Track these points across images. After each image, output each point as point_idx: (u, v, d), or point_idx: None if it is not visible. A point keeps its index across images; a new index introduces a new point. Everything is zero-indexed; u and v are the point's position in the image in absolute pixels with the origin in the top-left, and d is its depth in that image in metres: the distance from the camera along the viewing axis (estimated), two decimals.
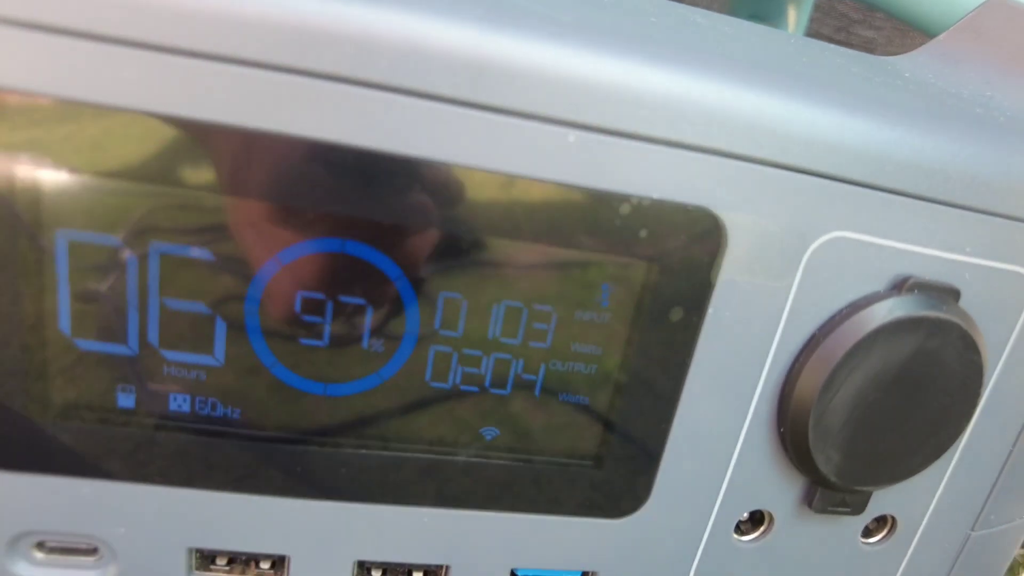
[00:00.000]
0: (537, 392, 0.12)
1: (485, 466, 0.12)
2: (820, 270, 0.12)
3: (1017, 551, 0.18)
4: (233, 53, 0.09)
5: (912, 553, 0.15)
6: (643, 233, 0.11)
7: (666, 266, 0.11)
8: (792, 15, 0.27)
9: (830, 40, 0.30)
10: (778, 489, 0.14)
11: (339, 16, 0.09)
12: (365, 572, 0.13)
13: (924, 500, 0.15)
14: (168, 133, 0.10)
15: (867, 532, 0.15)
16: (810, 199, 0.11)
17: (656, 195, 0.11)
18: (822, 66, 0.14)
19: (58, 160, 0.10)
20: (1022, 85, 0.15)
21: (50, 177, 0.10)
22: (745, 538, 0.14)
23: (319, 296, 0.11)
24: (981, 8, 0.16)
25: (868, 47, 0.32)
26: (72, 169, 0.10)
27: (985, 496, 0.15)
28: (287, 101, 0.10)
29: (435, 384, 0.12)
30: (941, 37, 0.17)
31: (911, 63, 0.16)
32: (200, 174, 0.10)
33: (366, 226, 0.10)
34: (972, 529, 0.16)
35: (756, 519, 0.14)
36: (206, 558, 0.12)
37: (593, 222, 0.11)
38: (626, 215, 0.11)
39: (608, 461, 0.12)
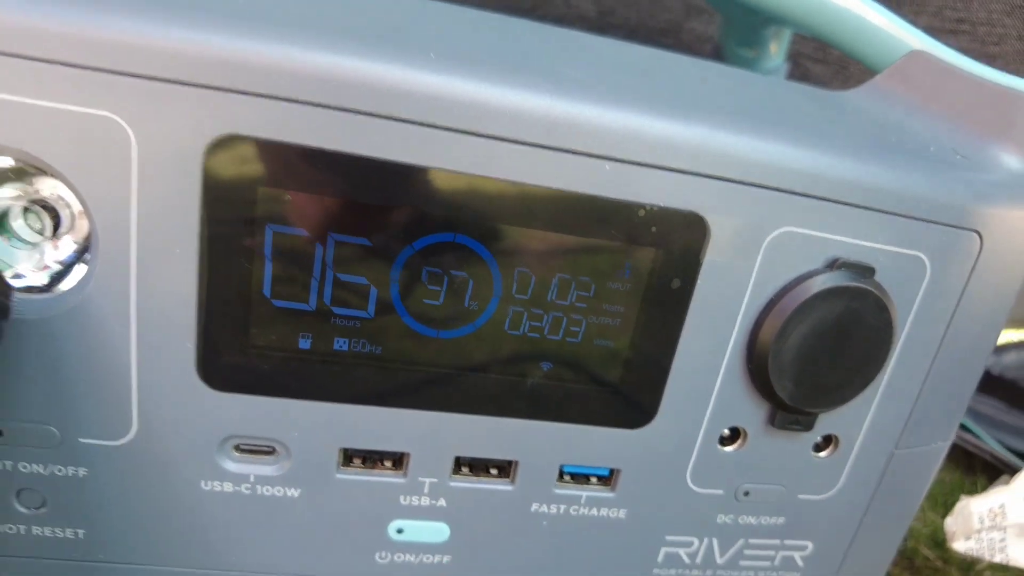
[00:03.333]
0: (579, 338, 0.17)
1: (543, 388, 0.18)
2: (774, 254, 0.17)
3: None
4: (393, 112, 0.15)
5: (850, 465, 0.21)
6: (653, 229, 0.16)
7: (669, 251, 0.17)
8: (774, 45, 0.32)
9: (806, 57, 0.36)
10: (749, 411, 0.19)
11: (477, 87, 0.15)
12: (458, 466, 0.18)
13: (858, 423, 0.20)
14: (348, 164, 0.15)
15: (817, 447, 0.20)
16: (767, 205, 0.17)
17: (661, 204, 0.16)
18: (783, 105, 0.20)
19: (271, 182, 0.15)
20: (931, 120, 0.20)
21: (264, 192, 0.15)
22: (726, 448, 0.19)
23: (437, 271, 0.16)
24: (906, 57, 0.21)
25: (820, 79, 0.37)
26: (279, 187, 0.15)
27: (904, 422, 0.20)
28: (427, 149, 0.15)
29: (511, 332, 0.17)
30: (876, 79, 0.22)
31: (854, 97, 0.22)
32: (365, 191, 0.15)
33: (470, 224, 0.16)
34: (896, 448, 0.21)
35: (734, 433, 0.19)
36: (349, 456, 0.18)
37: (619, 222, 0.16)
38: (642, 217, 0.16)
39: (627, 387, 0.18)
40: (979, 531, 0.30)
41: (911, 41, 0.21)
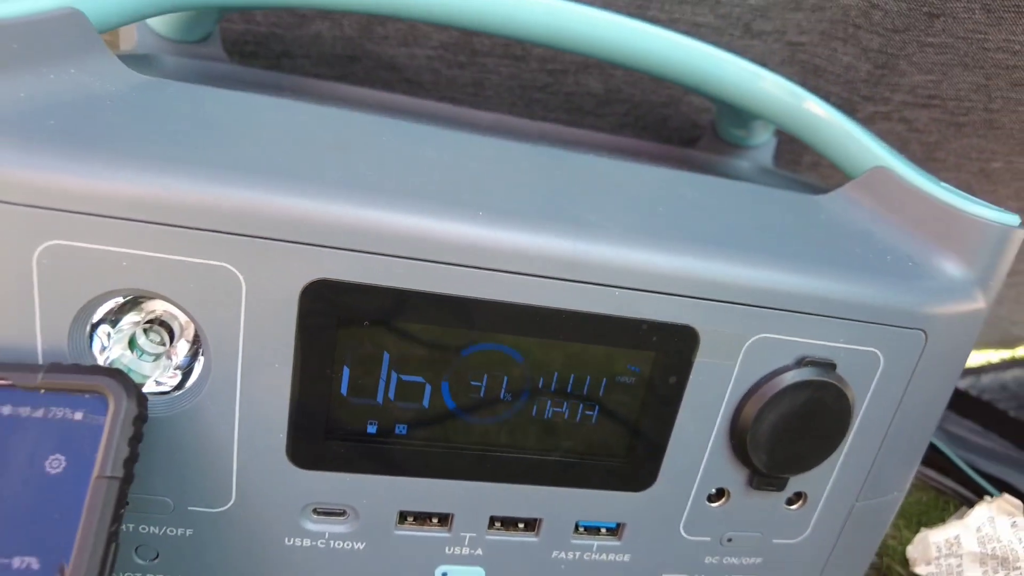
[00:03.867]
0: (593, 422, 0.21)
1: (563, 462, 0.21)
2: (753, 354, 0.21)
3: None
4: (448, 259, 0.18)
5: (817, 515, 0.25)
6: (654, 338, 0.20)
7: (667, 355, 0.21)
8: (762, 128, 0.36)
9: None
10: (732, 475, 0.23)
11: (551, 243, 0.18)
12: (492, 522, 0.22)
13: (823, 482, 0.24)
14: (411, 297, 0.19)
15: (789, 502, 0.24)
16: (748, 317, 0.21)
17: (660, 319, 0.20)
18: (763, 222, 0.23)
19: (351, 312, 0.19)
20: (890, 229, 0.24)
21: (345, 320, 0.19)
22: (713, 504, 0.23)
23: (480, 371, 0.20)
24: (872, 171, 0.25)
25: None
26: (357, 315, 0.19)
27: (862, 481, 0.24)
28: (475, 285, 0.19)
29: (538, 418, 0.21)
30: (846, 187, 0.26)
31: (826, 203, 0.25)
32: (425, 316, 0.19)
33: (507, 337, 0.20)
34: (856, 500, 0.25)
35: (719, 492, 0.23)
36: (403, 515, 0.22)
37: (626, 333, 0.20)
38: (644, 330, 0.20)
39: (632, 460, 0.22)
40: (937, 558, 0.34)
41: (877, 156, 0.25)
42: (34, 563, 0.16)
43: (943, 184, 0.24)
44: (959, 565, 0.34)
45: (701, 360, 0.21)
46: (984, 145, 0.42)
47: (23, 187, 0.16)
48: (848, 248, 0.23)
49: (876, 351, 0.22)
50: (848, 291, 0.21)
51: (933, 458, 0.59)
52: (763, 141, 0.36)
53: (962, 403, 0.66)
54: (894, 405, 0.23)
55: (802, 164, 0.42)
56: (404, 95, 0.34)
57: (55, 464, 0.17)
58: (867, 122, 0.40)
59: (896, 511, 0.27)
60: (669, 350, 0.20)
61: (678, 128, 0.39)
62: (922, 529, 0.34)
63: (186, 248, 0.17)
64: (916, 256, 0.23)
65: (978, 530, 0.34)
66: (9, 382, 0.17)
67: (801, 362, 0.21)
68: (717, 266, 0.20)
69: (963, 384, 0.70)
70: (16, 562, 0.16)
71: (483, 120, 0.34)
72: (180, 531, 0.20)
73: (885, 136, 0.41)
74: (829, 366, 0.22)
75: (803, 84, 0.38)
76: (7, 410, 0.17)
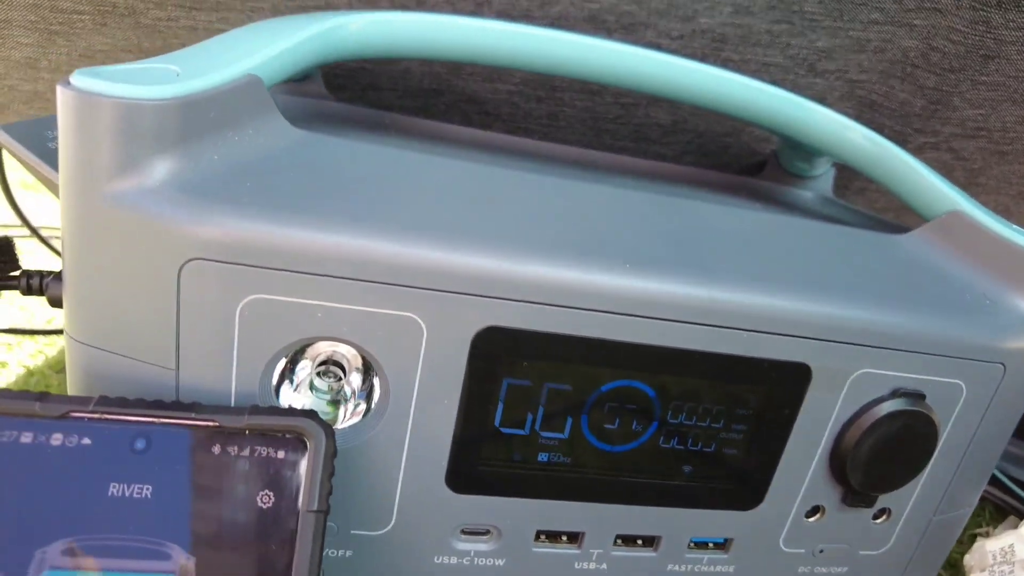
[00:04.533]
0: (713, 449, 0.23)
1: (684, 486, 0.24)
2: (855, 387, 0.23)
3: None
4: (598, 307, 0.20)
5: (900, 528, 0.27)
6: (773, 374, 0.22)
7: (783, 389, 0.23)
8: (824, 161, 0.38)
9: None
10: (828, 493, 0.25)
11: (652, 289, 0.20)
12: (617, 540, 0.24)
13: (907, 499, 0.26)
14: (564, 342, 0.21)
15: (875, 516, 0.27)
16: (852, 355, 0.23)
17: (779, 358, 0.22)
18: (858, 266, 0.25)
19: (513, 354, 0.21)
20: (966, 269, 0.26)
21: (507, 360, 0.21)
22: (809, 519, 0.26)
23: (615, 405, 0.22)
24: (948, 215, 0.27)
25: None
26: (518, 356, 0.21)
27: (940, 498, 0.27)
28: (619, 329, 0.21)
29: (663, 446, 0.23)
30: (923, 228, 0.28)
31: (906, 243, 0.28)
32: (574, 357, 0.21)
33: (644, 374, 0.22)
34: (934, 515, 0.27)
35: (815, 509, 0.26)
36: (539, 534, 0.24)
37: (750, 370, 0.22)
38: (765, 367, 0.22)
39: (745, 482, 0.24)
40: (992, 565, 0.37)
41: (952, 201, 0.27)
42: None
43: (1014, 227, 0.27)
44: (1011, 572, 0.37)
45: (812, 393, 0.23)
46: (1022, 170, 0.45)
47: (231, 246, 0.18)
48: (931, 288, 0.25)
49: (960, 382, 0.24)
50: (936, 329, 0.24)
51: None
52: (823, 171, 0.38)
53: None
54: (973, 430, 0.26)
55: (851, 189, 0.44)
56: (485, 129, 0.36)
57: (265, 499, 0.19)
58: (916, 151, 0.42)
59: (965, 524, 0.29)
60: (785, 385, 0.23)
61: (738, 155, 0.41)
62: (978, 538, 0.36)
63: (377, 300, 0.19)
64: (991, 295, 0.26)
65: None
66: (216, 423, 0.19)
67: (895, 393, 0.24)
68: (828, 309, 0.22)
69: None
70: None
71: (562, 153, 0.36)
72: (340, 552, 0.22)
73: (932, 163, 0.43)
74: (919, 396, 0.24)
75: (858, 117, 0.40)
76: (217, 449, 0.19)
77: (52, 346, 0.55)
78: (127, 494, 0.18)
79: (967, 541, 0.40)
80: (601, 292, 0.20)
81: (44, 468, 0.18)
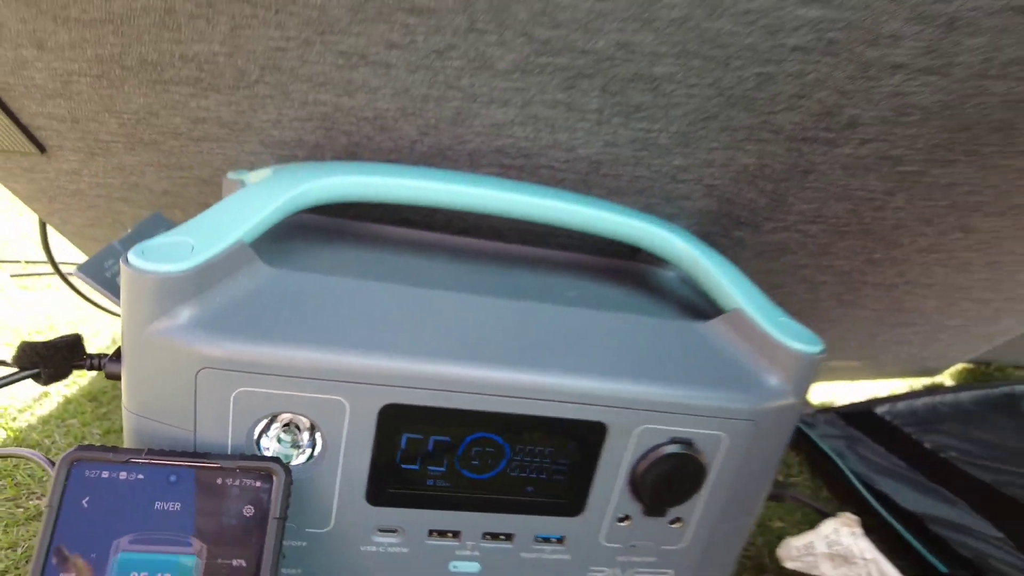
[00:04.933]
0: (546, 476, 0.35)
1: (528, 500, 0.36)
2: (639, 437, 0.35)
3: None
4: (465, 389, 0.32)
5: (691, 530, 0.39)
6: (582, 430, 0.34)
7: (588, 439, 0.34)
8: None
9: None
10: (632, 508, 0.37)
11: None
12: (484, 536, 0.36)
13: (693, 511, 0.38)
14: (443, 413, 0.32)
15: (671, 522, 0.38)
16: (638, 416, 0.34)
17: (585, 419, 0.34)
18: (656, 350, 0.37)
19: (408, 419, 0.33)
20: (740, 352, 0.38)
21: (405, 424, 0.33)
22: (621, 524, 0.37)
23: (479, 449, 0.34)
24: (731, 312, 0.39)
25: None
26: (411, 420, 0.33)
27: (719, 510, 0.38)
28: (483, 402, 0.33)
29: (511, 474, 0.35)
30: (716, 320, 0.39)
31: (702, 329, 0.39)
32: (450, 422, 0.33)
33: (496, 429, 0.34)
34: (716, 523, 0.39)
35: (625, 517, 0.37)
36: (431, 532, 0.36)
37: (566, 427, 0.34)
38: (575, 424, 0.34)
39: (569, 498, 0.36)
40: (799, 557, 0.49)
41: (736, 301, 0.39)
42: (245, 564, 0.30)
43: (781, 319, 0.38)
44: (815, 560, 0.49)
45: (608, 442, 0.35)
46: (864, 243, 0.56)
47: (227, 360, 0.30)
48: (708, 366, 0.37)
49: (721, 433, 0.36)
50: (702, 397, 0.35)
51: (834, 475, 0.74)
52: None
53: (874, 428, 0.80)
54: (738, 465, 0.37)
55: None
56: (428, 231, 0.48)
57: (248, 511, 0.31)
58: (770, 233, 0.53)
59: (750, 528, 0.41)
60: (590, 436, 0.35)
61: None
62: (786, 537, 0.48)
63: (317, 389, 0.31)
64: (753, 372, 0.37)
65: (826, 537, 0.48)
66: (219, 465, 0.31)
67: (671, 440, 0.35)
68: (617, 386, 0.34)
69: (880, 410, 0.84)
70: (235, 563, 0.30)
71: (481, 248, 0.48)
72: (299, 543, 0.34)
73: (784, 242, 0.55)
74: (689, 443, 0.36)
75: (718, 210, 0.51)
76: (219, 480, 0.31)
77: (84, 377, 0.68)
78: (166, 508, 0.30)
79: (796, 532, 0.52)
80: (465, 379, 0.32)
81: (117, 492, 0.30)
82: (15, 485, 0.51)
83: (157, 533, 0.30)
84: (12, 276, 0.88)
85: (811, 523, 0.56)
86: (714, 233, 0.54)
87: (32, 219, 1.15)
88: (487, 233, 0.51)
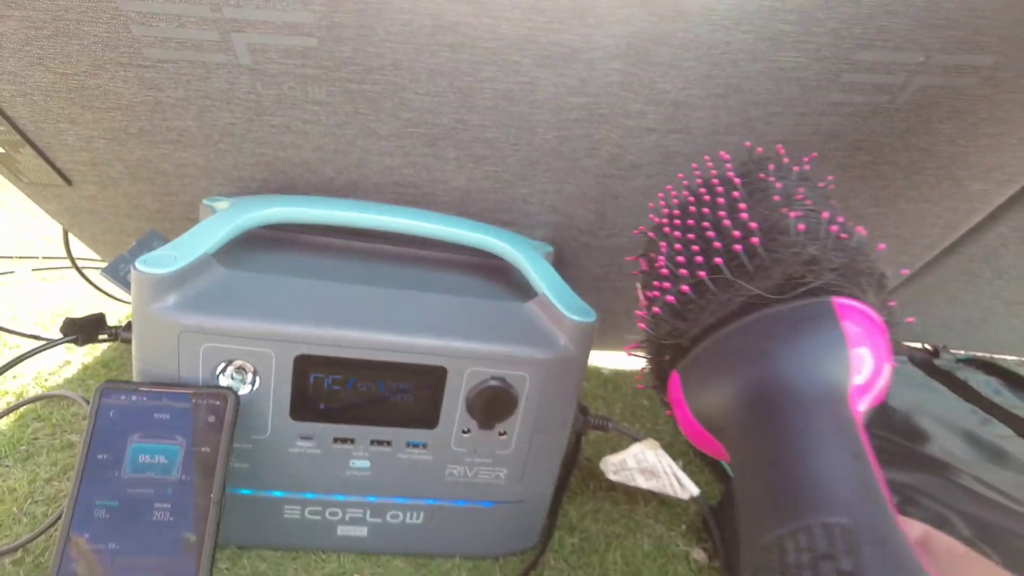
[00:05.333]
0: (410, 400, 0.54)
1: (400, 417, 0.55)
2: (469, 376, 0.54)
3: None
4: (349, 343, 0.51)
5: (515, 440, 0.58)
6: (427, 372, 0.53)
7: (432, 378, 0.54)
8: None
9: None
10: (471, 424, 0.56)
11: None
12: (372, 443, 0.55)
13: (514, 427, 0.57)
14: (335, 360, 0.51)
15: (500, 435, 0.57)
16: (464, 363, 0.53)
17: (430, 364, 0.53)
18: (487, 319, 0.56)
19: (315, 365, 0.52)
20: (543, 322, 0.57)
21: (311, 365, 0.52)
22: (465, 435, 0.57)
23: (363, 385, 0.53)
24: (537, 297, 0.58)
25: None
26: (315, 366, 0.52)
27: (532, 426, 0.58)
28: (351, 352, 0.52)
29: (388, 398, 0.54)
30: (532, 300, 0.58)
31: (525, 308, 0.58)
32: (339, 366, 0.52)
33: (373, 374, 0.53)
34: (531, 436, 0.58)
35: (467, 430, 0.57)
36: (335, 439, 0.55)
37: (415, 370, 0.53)
38: (423, 366, 0.53)
39: (424, 413, 0.55)
40: (617, 472, 0.68)
41: (541, 288, 0.58)
42: (210, 450, 0.49)
43: (570, 300, 0.57)
44: (631, 475, 0.68)
45: (449, 379, 0.54)
46: None
47: (197, 327, 0.49)
48: (518, 331, 0.56)
49: (526, 374, 0.55)
50: (513, 350, 0.54)
51: None
52: (544, 252, 0.69)
53: None
54: (538, 396, 0.56)
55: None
56: (343, 239, 0.67)
57: (211, 419, 0.50)
58: (606, 238, 0.72)
59: (563, 442, 0.60)
60: (435, 376, 0.54)
61: None
62: (604, 456, 0.67)
63: (253, 345, 0.50)
64: (549, 334, 0.56)
65: (635, 455, 0.68)
66: (193, 391, 0.50)
67: (491, 378, 0.54)
68: (455, 343, 0.53)
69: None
70: (204, 450, 0.49)
71: (379, 250, 0.67)
72: (247, 446, 0.54)
73: (622, 244, 0.74)
74: (503, 379, 0.55)
75: (563, 223, 0.70)
76: (195, 401, 0.50)
77: (98, 350, 0.87)
78: (163, 418, 0.49)
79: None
80: (351, 340, 0.51)
81: (130, 408, 0.49)
82: (52, 425, 0.70)
83: (155, 432, 0.49)
84: (33, 270, 1.07)
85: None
86: (565, 239, 0.73)
87: (42, 222, 1.34)
88: (386, 239, 0.70)
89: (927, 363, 1.16)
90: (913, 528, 0.25)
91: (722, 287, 0.30)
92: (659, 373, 0.35)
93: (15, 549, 0.53)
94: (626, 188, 0.64)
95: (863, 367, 0.28)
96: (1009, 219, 0.81)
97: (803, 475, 0.22)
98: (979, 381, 1.12)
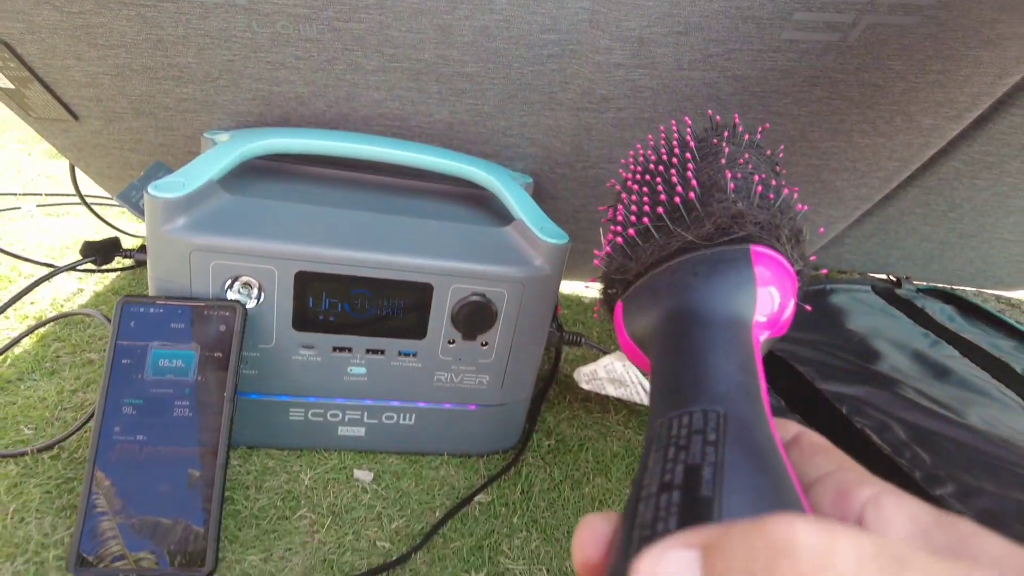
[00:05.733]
0: (401, 314, 0.61)
1: (394, 328, 0.61)
2: (454, 292, 0.60)
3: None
4: (345, 261, 0.57)
5: (495, 349, 0.64)
6: (416, 288, 0.59)
7: (420, 293, 0.60)
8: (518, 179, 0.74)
9: None
10: (456, 335, 0.62)
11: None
12: (367, 352, 0.62)
13: (495, 337, 0.64)
14: (332, 278, 0.57)
15: (482, 345, 0.64)
16: (449, 280, 0.59)
17: (419, 281, 0.59)
18: (470, 241, 0.62)
19: (312, 280, 0.58)
20: (521, 243, 0.62)
21: (310, 279, 0.58)
22: (450, 345, 0.63)
23: (358, 299, 0.59)
24: (514, 222, 0.63)
25: None
26: (314, 283, 0.58)
27: (511, 336, 0.64)
28: (350, 269, 0.57)
29: (380, 314, 0.60)
30: (511, 225, 0.64)
31: (503, 233, 0.64)
32: (336, 285, 0.58)
33: (368, 288, 0.59)
34: (511, 344, 0.65)
35: (452, 340, 0.63)
36: (334, 348, 0.61)
37: (408, 286, 0.59)
38: (413, 282, 0.59)
39: (416, 327, 0.61)
40: (588, 381, 0.75)
41: (517, 213, 0.63)
42: (222, 355, 0.55)
43: (544, 225, 0.63)
44: (601, 384, 0.75)
45: (435, 294, 0.60)
46: None
47: (206, 246, 0.54)
48: (498, 252, 0.62)
49: (504, 291, 0.61)
50: (492, 270, 0.60)
51: None
52: (524, 183, 0.74)
53: None
54: (516, 311, 0.63)
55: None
56: (337, 169, 0.71)
57: (222, 328, 0.56)
58: (582, 170, 0.78)
59: (540, 353, 0.67)
60: (424, 292, 0.60)
61: None
62: (577, 368, 0.74)
63: (257, 263, 0.56)
64: (525, 255, 0.62)
65: (605, 366, 0.75)
66: (204, 304, 0.56)
67: (473, 294, 0.61)
68: (440, 263, 0.59)
69: None
70: (217, 355, 0.55)
71: (370, 180, 0.72)
72: (254, 354, 0.60)
73: (599, 176, 0.79)
74: (483, 295, 0.61)
75: (541, 155, 0.75)
76: (207, 312, 0.56)
77: (108, 279, 0.93)
78: (178, 327, 0.55)
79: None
80: (346, 258, 0.57)
81: (149, 318, 0.55)
82: (72, 345, 0.76)
83: (172, 339, 0.55)
84: (38, 206, 1.11)
85: None
86: (543, 170, 0.78)
87: (39, 161, 1.38)
88: (376, 171, 0.75)
89: (888, 292, 1.23)
90: (789, 427, 0.30)
91: (663, 233, 0.36)
92: (608, 303, 0.41)
93: (52, 446, 0.60)
94: (599, 121, 0.69)
95: (768, 305, 0.32)
96: (961, 153, 0.87)
97: (696, 375, 0.28)
98: (935, 309, 1.20)
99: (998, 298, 1.42)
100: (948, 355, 1.02)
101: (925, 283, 1.30)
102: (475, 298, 0.61)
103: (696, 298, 0.32)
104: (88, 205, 0.87)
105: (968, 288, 1.38)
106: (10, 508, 0.54)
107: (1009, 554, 0.17)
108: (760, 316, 0.32)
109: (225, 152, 0.60)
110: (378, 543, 0.57)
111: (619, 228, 0.40)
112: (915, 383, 0.92)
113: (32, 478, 0.57)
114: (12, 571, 0.49)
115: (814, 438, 0.27)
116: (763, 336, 0.32)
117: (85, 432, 0.62)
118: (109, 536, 0.50)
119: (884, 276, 1.29)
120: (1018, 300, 1.44)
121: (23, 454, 0.59)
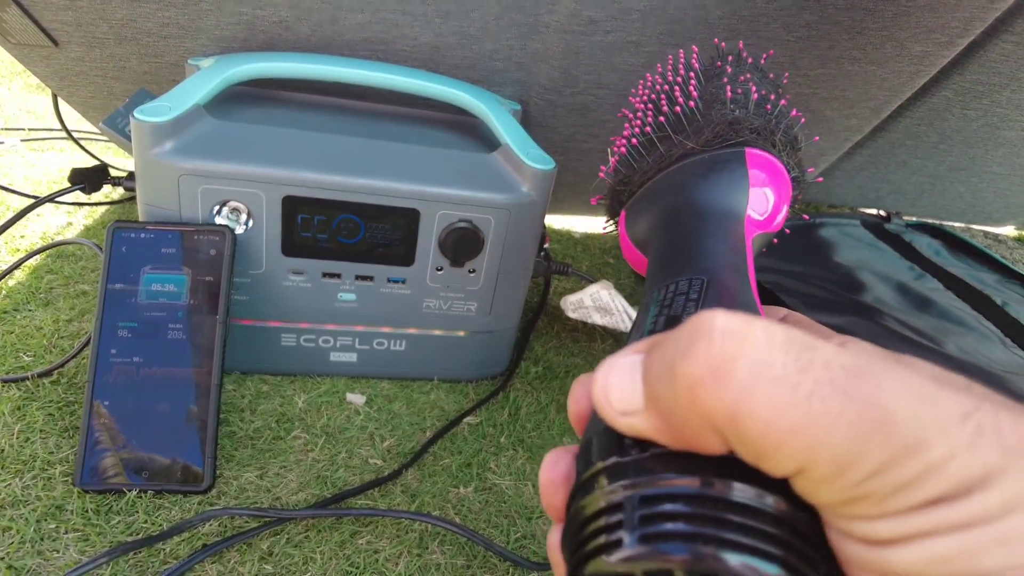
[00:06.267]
0: (388, 242, 0.61)
1: (383, 254, 0.62)
2: (440, 218, 0.61)
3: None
4: (336, 187, 0.57)
5: (483, 277, 0.66)
6: (403, 213, 0.60)
7: (408, 219, 0.60)
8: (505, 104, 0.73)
9: None
10: (444, 262, 0.63)
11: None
12: (357, 278, 0.63)
13: (481, 264, 0.65)
14: (321, 202, 0.58)
15: (469, 272, 0.65)
16: (435, 206, 0.60)
17: (406, 206, 0.60)
18: (456, 167, 0.62)
19: (302, 206, 0.58)
20: (507, 171, 0.63)
21: (298, 203, 0.58)
22: (439, 272, 0.64)
23: (346, 223, 0.60)
24: (501, 147, 0.63)
25: None
26: (304, 207, 0.58)
27: (498, 264, 0.65)
28: (341, 196, 0.58)
29: (367, 240, 0.61)
30: (497, 151, 0.64)
31: (488, 159, 0.64)
32: (326, 208, 0.58)
33: (355, 212, 0.59)
34: (498, 271, 0.66)
35: (440, 268, 0.64)
36: (324, 274, 0.62)
37: (398, 211, 0.60)
38: (402, 210, 0.60)
39: (404, 254, 0.62)
40: (575, 310, 0.77)
41: (504, 138, 0.63)
42: (213, 279, 0.56)
43: (531, 151, 0.63)
44: (587, 313, 0.77)
45: (422, 221, 0.61)
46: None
47: (194, 169, 0.55)
48: (485, 178, 0.62)
49: (491, 217, 0.62)
50: (479, 196, 0.61)
51: None
52: (512, 109, 0.74)
53: None
54: (502, 237, 0.63)
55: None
56: (322, 95, 0.71)
57: (212, 252, 0.57)
58: (570, 96, 0.77)
59: (527, 280, 0.68)
60: (411, 217, 0.60)
61: None
62: (564, 296, 0.76)
63: (245, 187, 0.56)
64: (512, 181, 0.62)
65: (591, 295, 0.76)
66: (194, 228, 0.56)
67: (460, 220, 0.61)
68: (427, 188, 0.59)
69: None
70: (208, 279, 0.56)
71: (356, 106, 0.71)
72: (245, 280, 0.61)
73: (586, 103, 0.78)
74: (470, 222, 0.61)
75: (528, 80, 0.75)
76: (197, 236, 0.57)
77: (97, 213, 0.92)
78: (170, 252, 0.56)
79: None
80: (333, 183, 0.57)
81: (140, 244, 0.55)
82: (64, 276, 0.77)
83: (164, 263, 0.56)
84: (22, 140, 1.10)
85: None
86: (531, 97, 0.77)
87: (19, 96, 1.36)
88: (362, 96, 0.75)
89: (878, 227, 1.24)
90: (779, 311, 0.32)
91: (664, 143, 0.37)
92: (613, 212, 0.42)
93: (51, 371, 0.62)
94: (586, 44, 0.68)
95: (762, 205, 0.34)
96: (952, 82, 0.86)
97: (687, 252, 0.30)
98: (923, 243, 1.21)
99: (985, 234, 1.43)
100: (931, 288, 1.04)
101: (915, 219, 1.31)
102: (462, 224, 0.61)
103: (692, 194, 0.34)
104: (74, 138, 0.87)
105: (957, 224, 1.39)
106: (15, 428, 0.55)
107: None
108: (753, 213, 0.33)
109: (210, 76, 0.59)
110: (370, 461, 0.60)
111: (624, 142, 0.41)
112: (897, 314, 0.93)
113: (34, 401, 0.59)
114: (22, 486, 0.51)
115: (801, 316, 0.29)
116: (756, 234, 0.34)
117: (83, 359, 0.64)
118: (110, 466, 0.52)
119: (874, 211, 1.30)
120: (1005, 236, 1.45)
121: (24, 379, 0.60)
